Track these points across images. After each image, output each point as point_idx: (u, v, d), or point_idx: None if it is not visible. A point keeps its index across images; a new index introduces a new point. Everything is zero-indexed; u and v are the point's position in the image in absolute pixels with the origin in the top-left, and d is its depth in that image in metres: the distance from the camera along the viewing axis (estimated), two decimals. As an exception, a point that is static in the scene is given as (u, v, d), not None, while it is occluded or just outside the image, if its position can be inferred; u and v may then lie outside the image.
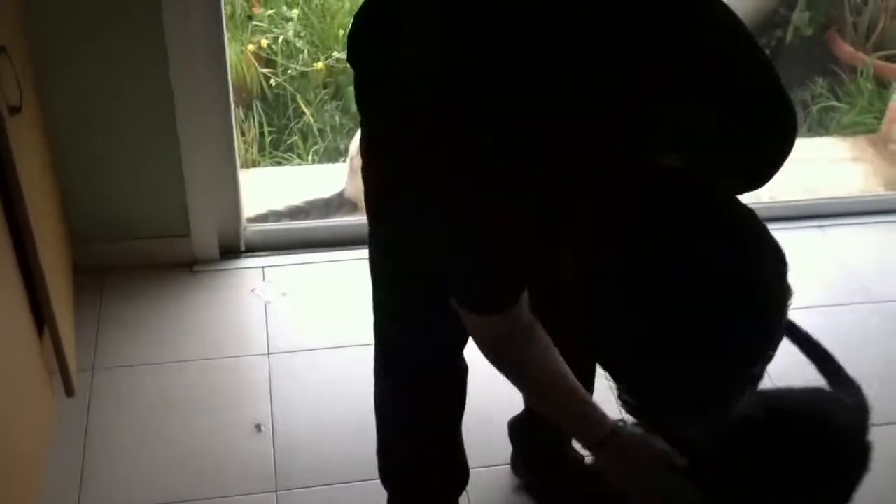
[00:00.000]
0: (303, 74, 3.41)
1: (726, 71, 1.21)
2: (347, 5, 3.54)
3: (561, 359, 1.45)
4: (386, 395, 1.83)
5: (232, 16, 3.37)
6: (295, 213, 2.88)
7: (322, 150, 3.31)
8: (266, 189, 2.96)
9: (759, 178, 1.31)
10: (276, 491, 2.08)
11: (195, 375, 2.32)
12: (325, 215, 2.91)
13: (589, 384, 1.76)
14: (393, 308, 1.69)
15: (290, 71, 3.38)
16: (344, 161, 3.11)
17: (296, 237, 2.73)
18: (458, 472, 1.92)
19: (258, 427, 2.21)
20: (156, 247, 2.56)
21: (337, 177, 3.02)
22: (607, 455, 1.45)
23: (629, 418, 1.27)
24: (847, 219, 2.88)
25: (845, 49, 3.70)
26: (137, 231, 2.54)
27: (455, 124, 1.23)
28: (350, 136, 3.26)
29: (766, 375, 1.16)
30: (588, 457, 1.75)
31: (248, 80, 3.33)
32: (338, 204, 2.95)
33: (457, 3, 1.24)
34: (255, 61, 3.34)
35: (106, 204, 2.48)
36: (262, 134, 3.27)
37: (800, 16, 3.70)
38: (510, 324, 1.36)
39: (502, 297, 1.33)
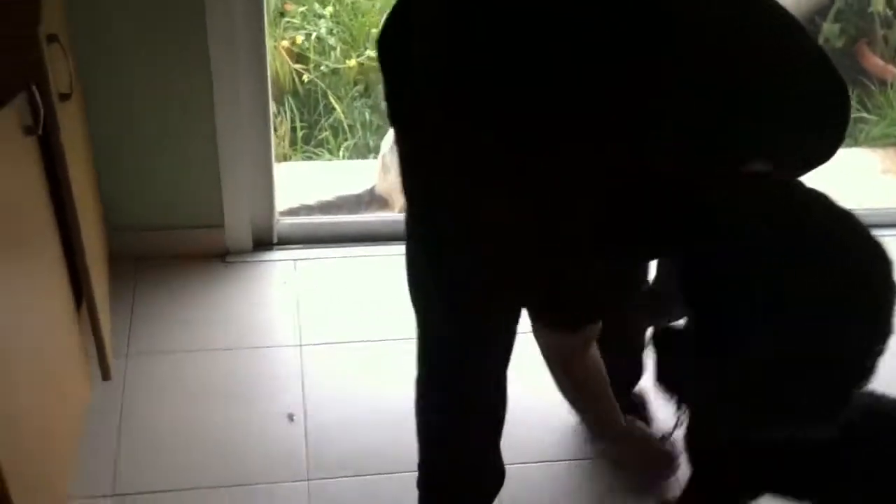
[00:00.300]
0: (334, 71, 3.43)
1: (786, 60, 1.22)
2: (378, 4, 3.57)
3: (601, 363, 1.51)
4: (429, 409, 1.82)
5: (265, 12, 3.40)
6: (326, 207, 2.90)
7: (352, 146, 3.33)
8: (297, 183, 2.98)
9: (811, 163, 1.33)
10: (307, 480, 2.10)
11: (228, 364, 2.35)
12: (356, 211, 2.93)
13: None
14: (440, 336, 1.68)
15: (322, 67, 3.41)
16: (374, 157, 3.13)
17: (327, 231, 2.75)
18: (496, 476, 1.92)
19: (290, 416, 2.22)
20: (190, 237, 2.59)
21: (367, 173, 3.04)
22: (618, 443, 1.75)
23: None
24: (878, 230, 2.86)
25: (875, 62, 3.70)
26: (172, 221, 2.56)
27: (458, 122, 1.25)
28: (380, 134, 3.28)
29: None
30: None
31: (281, 75, 3.35)
32: (368, 200, 2.98)
33: (461, 3, 1.26)
34: (287, 57, 3.37)
35: (142, 193, 2.51)
36: (293, 129, 3.29)
37: (830, 27, 3.70)
38: (587, 338, 1.40)
39: (590, 314, 1.39)
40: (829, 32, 3.70)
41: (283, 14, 3.52)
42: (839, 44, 3.72)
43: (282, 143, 3.23)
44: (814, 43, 1.32)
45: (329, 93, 3.38)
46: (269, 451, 2.16)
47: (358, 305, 2.54)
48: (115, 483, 2.05)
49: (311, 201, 2.90)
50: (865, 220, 1.44)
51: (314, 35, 3.44)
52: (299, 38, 3.41)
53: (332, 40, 3.47)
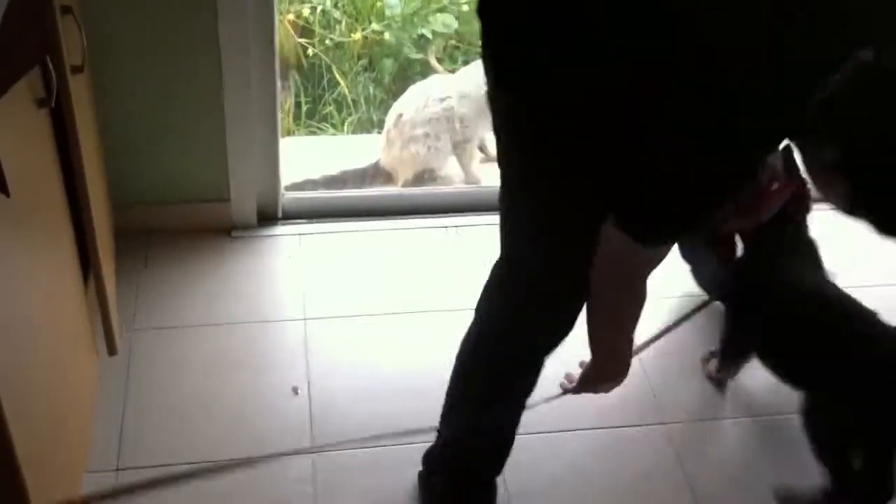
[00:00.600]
0: (338, 45, 3.43)
1: None
2: (384, -22, 3.56)
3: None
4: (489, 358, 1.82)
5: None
6: (331, 182, 2.91)
7: (356, 121, 3.34)
8: (301, 158, 2.99)
9: None
10: (312, 452, 2.13)
11: (233, 338, 2.37)
12: (361, 185, 2.94)
13: None
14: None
15: (326, 41, 3.41)
16: (378, 132, 3.14)
17: (332, 206, 2.77)
18: (508, 444, 1.95)
19: (295, 390, 2.25)
20: (195, 211, 2.60)
21: (371, 148, 3.05)
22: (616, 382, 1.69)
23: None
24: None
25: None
26: (178, 195, 2.58)
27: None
28: (383, 108, 3.29)
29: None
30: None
31: (285, 49, 3.35)
32: (373, 174, 2.98)
33: None
34: (292, 31, 3.37)
35: (148, 168, 2.52)
36: (297, 104, 3.30)
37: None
38: (657, 258, 1.44)
39: (678, 228, 1.42)
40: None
41: (288, -13, 3.52)
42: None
43: (286, 117, 3.24)
44: None
45: (333, 67, 3.38)
46: (275, 423, 2.18)
47: (362, 279, 2.56)
48: (120, 457, 2.07)
49: (316, 176, 2.90)
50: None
51: (319, 8, 3.43)
52: (305, 11, 3.41)
53: (337, 14, 3.46)
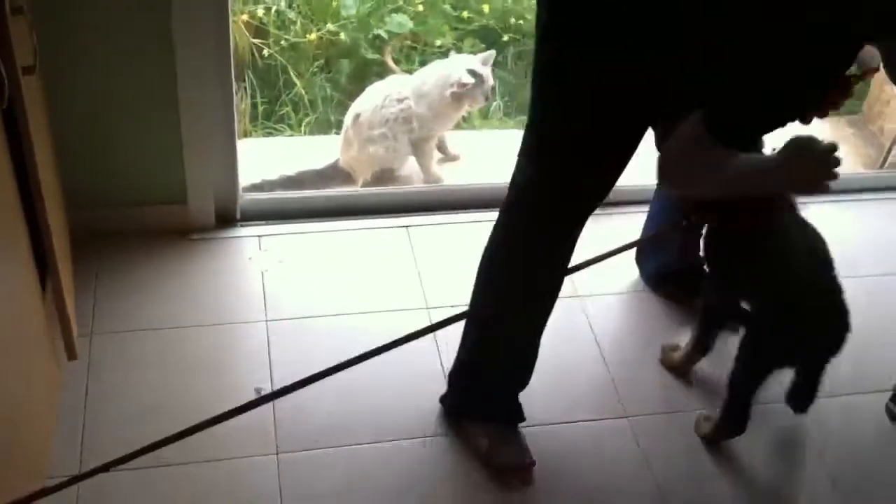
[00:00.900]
0: (294, 46, 3.42)
1: None
2: (338, -22, 3.55)
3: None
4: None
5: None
6: (289, 183, 2.90)
7: (313, 121, 3.33)
8: (259, 160, 2.97)
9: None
10: (277, 453, 2.12)
11: (194, 341, 2.35)
12: (319, 186, 2.93)
13: None
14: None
15: (282, 42, 3.39)
16: (336, 133, 3.13)
17: (291, 207, 2.75)
18: (528, 368, 2.09)
19: (258, 391, 2.23)
20: (153, 214, 2.58)
21: (329, 148, 3.04)
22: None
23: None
24: (828, 196, 2.93)
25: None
26: (134, 198, 2.55)
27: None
28: (340, 109, 3.28)
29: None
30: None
31: (240, 49, 3.33)
32: (332, 175, 2.98)
33: None
34: (246, 31, 3.34)
35: (103, 170, 2.49)
36: (253, 105, 3.28)
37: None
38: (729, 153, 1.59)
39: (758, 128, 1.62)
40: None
41: (242, -13, 3.50)
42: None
43: (242, 118, 3.21)
44: None
45: (289, 68, 3.36)
46: (238, 425, 2.14)
47: (323, 280, 2.55)
48: (82, 462, 2.05)
49: (274, 177, 2.89)
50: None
51: (274, 8, 3.41)
52: (259, 12, 3.39)
53: (291, 14, 3.45)
